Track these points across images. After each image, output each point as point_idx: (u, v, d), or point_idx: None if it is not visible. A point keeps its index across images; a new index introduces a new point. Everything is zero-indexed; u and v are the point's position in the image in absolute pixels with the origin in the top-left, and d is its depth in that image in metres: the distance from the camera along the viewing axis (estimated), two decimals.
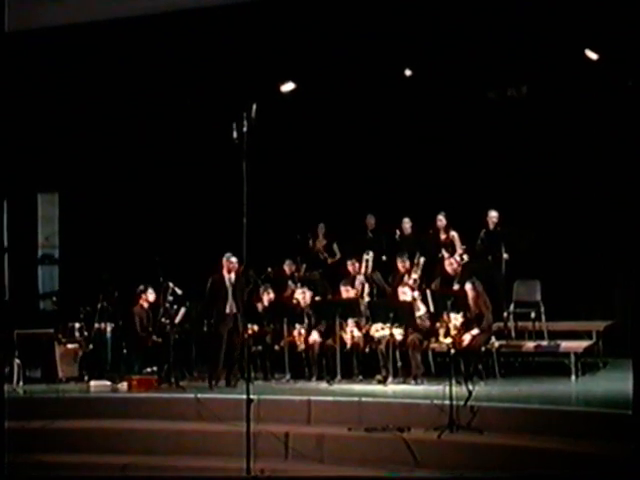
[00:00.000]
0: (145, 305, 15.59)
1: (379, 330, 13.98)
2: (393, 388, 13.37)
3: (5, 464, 10.60)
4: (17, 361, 15.02)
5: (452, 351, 12.65)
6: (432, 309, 14.03)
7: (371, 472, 10.79)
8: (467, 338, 13.50)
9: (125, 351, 15.69)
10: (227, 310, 14.21)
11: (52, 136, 18.77)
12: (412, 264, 15.07)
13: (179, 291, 15.10)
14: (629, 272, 15.25)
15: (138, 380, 14.43)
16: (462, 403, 11.17)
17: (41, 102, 18.02)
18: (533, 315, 14.98)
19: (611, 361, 15.03)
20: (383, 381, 13.69)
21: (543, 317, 15.02)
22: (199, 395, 12.93)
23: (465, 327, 13.55)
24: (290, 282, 16.08)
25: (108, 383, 14.61)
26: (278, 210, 17.62)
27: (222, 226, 15.66)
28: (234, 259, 14.23)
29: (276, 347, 14.80)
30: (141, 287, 15.68)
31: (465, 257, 15.12)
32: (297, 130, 17.79)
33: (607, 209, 15.95)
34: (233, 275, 14.33)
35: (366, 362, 14.23)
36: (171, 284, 15.08)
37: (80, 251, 19.15)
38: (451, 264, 14.83)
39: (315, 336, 14.47)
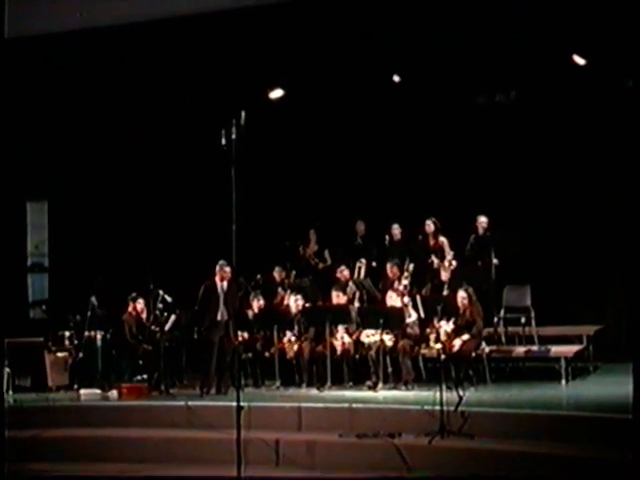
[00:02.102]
0: (134, 313, 15.58)
1: (369, 336, 13.99)
2: (384, 394, 13.38)
3: (5, 473, 10.59)
4: (7, 370, 14.96)
5: (442, 357, 12.63)
6: (422, 315, 14.04)
7: (362, 478, 10.79)
8: (457, 343, 13.49)
9: (115, 359, 15.69)
10: (218, 317, 14.19)
11: (41, 144, 18.75)
12: (402, 270, 15.08)
13: (169, 298, 15.07)
14: (620, 276, 15.34)
15: (128, 388, 14.42)
16: (453, 409, 11.17)
17: (30, 110, 17.99)
18: (523, 320, 15.01)
19: (601, 365, 15.06)
20: (374, 387, 13.70)
21: (533, 322, 15.05)
22: (190, 402, 12.93)
23: (455, 333, 13.57)
24: (280, 289, 16.09)
25: (98, 391, 14.58)
26: (267, 217, 17.61)
27: (211, 233, 15.63)
28: (227, 268, 14.19)
29: (266, 354, 14.80)
30: (133, 294, 15.69)
31: (454, 263, 15.12)
32: (286, 137, 17.79)
33: (597, 213, 15.99)
34: (225, 283, 14.31)
35: (356, 368, 14.23)
36: (161, 292, 15.06)
37: (70, 259, 19.12)
38: (445, 271, 14.87)
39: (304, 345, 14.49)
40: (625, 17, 10.56)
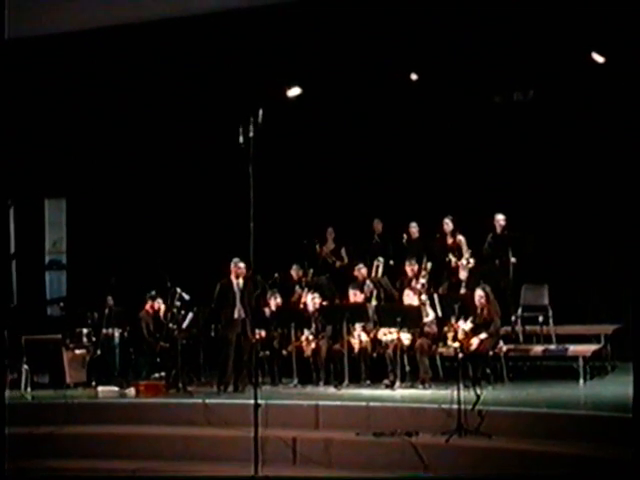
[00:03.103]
0: (151, 311, 15.62)
1: (387, 334, 13.98)
2: (401, 392, 13.36)
3: (5, 470, 10.63)
4: (25, 367, 15.06)
5: (460, 355, 12.61)
6: (440, 313, 14.02)
7: (379, 477, 10.79)
8: (475, 342, 13.47)
9: (133, 356, 15.74)
10: (235, 315, 14.20)
11: (59, 142, 18.82)
12: (420, 268, 15.06)
13: (186, 296, 15.08)
14: (635, 276, 15.26)
15: (146, 385, 14.44)
16: (470, 407, 11.15)
17: (48, 108, 18.07)
18: (541, 319, 14.94)
19: (619, 365, 14.98)
20: (391, 385, 13.68)
21: (551, 321, 14.99)
22: (207, 400, 12.94)
23: (473, 331, 13.55)
24: (297, 287, 16.08)
25: (116, 388, 14.60)
26: (285, 215, 17.61)
27: (229, 231, 15.67)
28: (242, 264, 14.21)
29: (284, 352, 14.80)
30: (152, 293, 15.73)
31: (472, 261, 15.09)
32: (304, 135, 17.79)
33: (615, 212, 15.91)
34: (241, 280, 14.32)
35: (374, 367, 14.22)
36: (178, 289, 15.06)
37: (87, 257, 19.20)
38: (463, 270, 14.85)
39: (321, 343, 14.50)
40: None
